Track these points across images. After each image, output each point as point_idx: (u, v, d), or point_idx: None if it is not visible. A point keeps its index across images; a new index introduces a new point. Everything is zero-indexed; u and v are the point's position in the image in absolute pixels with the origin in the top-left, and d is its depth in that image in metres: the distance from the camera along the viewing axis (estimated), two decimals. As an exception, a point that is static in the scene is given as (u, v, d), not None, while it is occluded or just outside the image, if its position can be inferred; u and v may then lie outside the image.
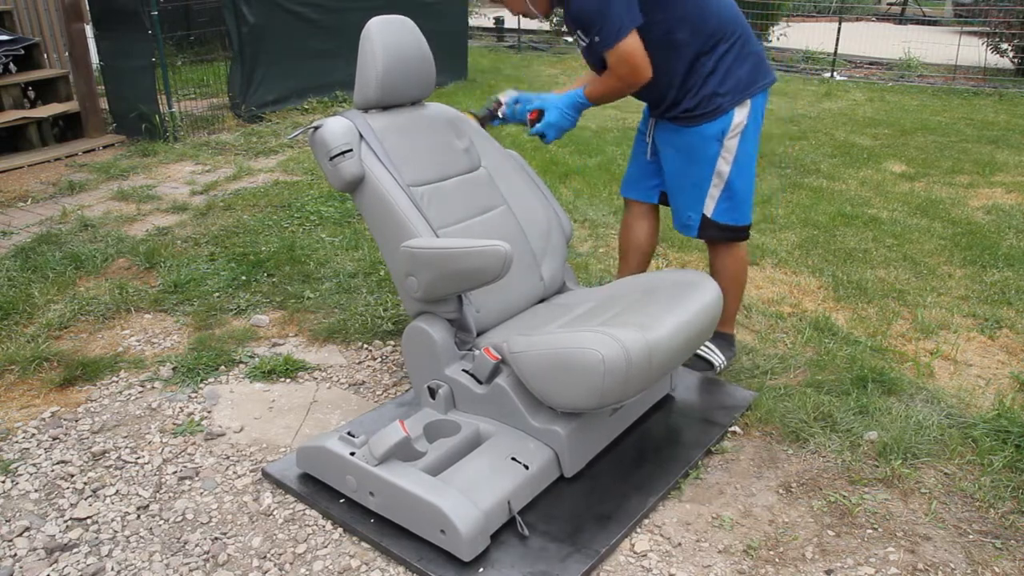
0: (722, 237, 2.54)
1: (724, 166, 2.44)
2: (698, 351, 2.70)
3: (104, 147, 5.79)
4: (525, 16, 2.53)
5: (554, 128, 2.50)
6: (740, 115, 2.40)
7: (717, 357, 2.71)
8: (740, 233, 2.55)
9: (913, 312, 3.21)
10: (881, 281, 3.51)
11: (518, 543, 1.90)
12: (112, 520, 2.04)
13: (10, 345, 2.88)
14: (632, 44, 2.27)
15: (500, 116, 2.60)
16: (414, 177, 2.33)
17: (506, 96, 2.60)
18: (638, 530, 2.00)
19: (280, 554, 1.93)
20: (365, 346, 2.96)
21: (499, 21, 13.25)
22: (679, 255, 3.81)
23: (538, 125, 2.51)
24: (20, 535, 1.98)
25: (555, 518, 1.99)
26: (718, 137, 2.41)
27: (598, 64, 2.43)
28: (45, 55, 7.01)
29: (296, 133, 2.51)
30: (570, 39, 12.21)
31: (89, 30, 6.08)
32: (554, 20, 12.54)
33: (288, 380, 2.72)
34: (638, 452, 2.26)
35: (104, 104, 6.19)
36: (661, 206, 2.75)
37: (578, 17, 2.31)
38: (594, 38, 2.30)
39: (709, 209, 2.49)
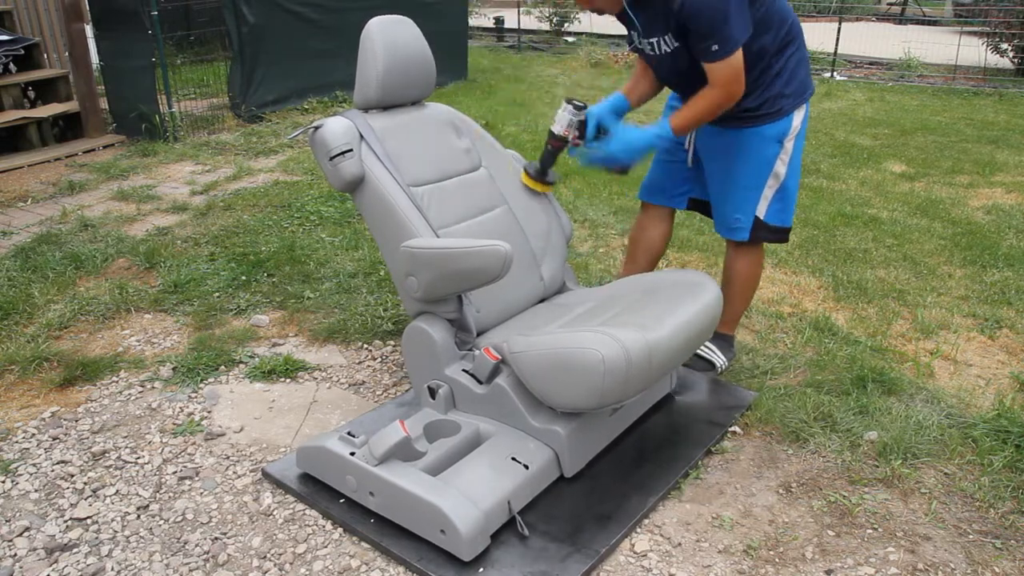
0: (771, 239, 2.52)
1: (781, 167, 2.41)
2: (699, 352, 2.70)
3: (104, 147, 5.79)
4: (596, 12, 2.34)
5: (615, 163, 2.37)
6: (798, 118, 2.40)
7: (719, 358, 2.71)
8: (785, 235, 2.54)
9: (913, 312, 3.21)
10: (881, 281, 3.51)
11: (518, 543, 1.90)
12: (112, 520, 2.04)
13: (10, 345, 2.88)
14: (741, 57, 2.15)
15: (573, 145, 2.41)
16: (414, 177, 2.33)
17: (568, 124, 2.40)
18: (638, 530, 2.00)
19: (280, 554, 1.93)
20: (365, 346, 2.96)
21: (499, 21, 13.25)
22: (679, 255, 3.81)
23: (599, 153, 2.35)
24: (20, 535, 1.98)
25: (555, 518, 1.99)
26: (779, 138, 2.38)
27: (673, 75, 2.34)
28: (45, 55, 7.02)
29: (296, 133, 2.51)
30: (571, 39, 12.20)
31: (89, 30, 6.08)
32: (553, 20, 12.56)
33: (288, 380, 2.72)
34: (638, 452, 2.26)
35: (104, 104, 6.19)
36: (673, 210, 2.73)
37: (699, 17, 2.08)
38: (710, 46, 2.11)
39: (762, 211, 2.45)
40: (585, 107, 2.41)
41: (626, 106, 2.50)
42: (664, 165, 2.66)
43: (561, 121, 2.41)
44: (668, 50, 2.26)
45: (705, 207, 2.65)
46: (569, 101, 2.41)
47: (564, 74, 9.49)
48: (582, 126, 2.41)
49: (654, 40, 2.27)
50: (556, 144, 2.44)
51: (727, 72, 2.16)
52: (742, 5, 2.11)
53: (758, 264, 2.61)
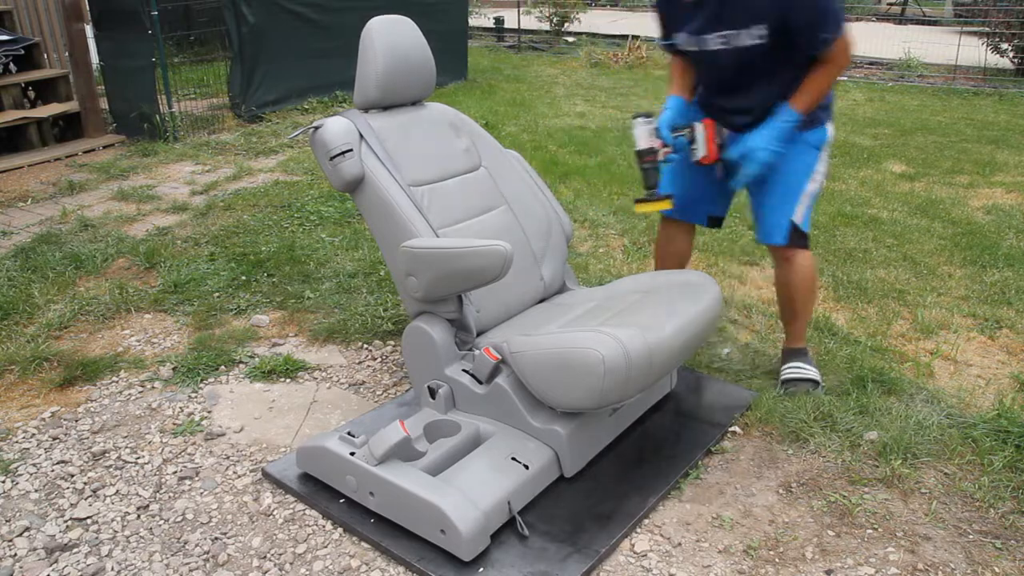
0: (802, 244, 2.49)
1: (819, 176, 2.45)
2: (795, 374, 2.57)
3: (104, 147, 5.79)
4: None
5: (756, 164, 2.34)
6: (831, 130, 2.45)
7: (815, 372, 2.59)
8: (808, 241, 2.51)
9: (913, 312, 3.21)
10: (881, 281, 3.51)
11: (518, 543, 1.90)
12: (112, 520, 2.04)
13: (10, 345, 2.88)
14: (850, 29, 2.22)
15: (663, 158, 2.43)
16: (414, 177, 2.33)
17: (648, 135, 2.40)
18: (638, 530, 2.00)
19: (280, 554, 1.93)
20: (365, 346, 2.96)
21: (499, 21, 13.25)
22: (679, 255, 3.81)
23: (735, 150, 2.36)
24: (20, 535, 1.99)
25: (555, 518, 1.99)
26: (817, 146, 2.42)
27: (732, 71, 2.33)
28: (45, 55, 7.01)
29: (296, 133, 2.51)
30: (571, 39, 12.19)
31: (89, 30, 6.08)
32: (553, 20, 12.56)
33: (288, 380, 2.72)
34: (638, 452, 2.26)
35: (104, 104, 6.19)
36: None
37: (805, 8, 2.14)
38: (822, 36, 2.17)
39: (799, 216, 2.44)
40: (652, 114, 2.45)
41: (684, 103, 2.52)
42: (691, 182, 2.61)
43: (640, 137, 2.43)
44: (746, 44, 2.23)
45: (719, 223, 2.71)
46: (636, 116, 2.44)
47: (564, 74, 9.48)
48: (658, 132, 2.44)
49: (729, 33, 2.24)
50: (649, 159, 2.43)
51: (842, 47, 2.22)
52: None
53: (811, 270, 2.53)
